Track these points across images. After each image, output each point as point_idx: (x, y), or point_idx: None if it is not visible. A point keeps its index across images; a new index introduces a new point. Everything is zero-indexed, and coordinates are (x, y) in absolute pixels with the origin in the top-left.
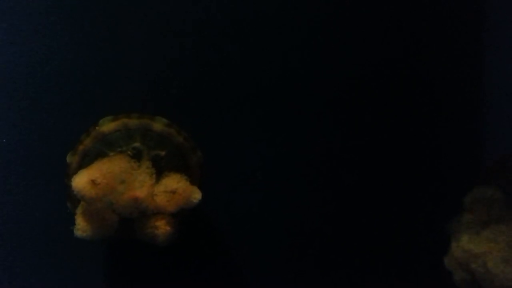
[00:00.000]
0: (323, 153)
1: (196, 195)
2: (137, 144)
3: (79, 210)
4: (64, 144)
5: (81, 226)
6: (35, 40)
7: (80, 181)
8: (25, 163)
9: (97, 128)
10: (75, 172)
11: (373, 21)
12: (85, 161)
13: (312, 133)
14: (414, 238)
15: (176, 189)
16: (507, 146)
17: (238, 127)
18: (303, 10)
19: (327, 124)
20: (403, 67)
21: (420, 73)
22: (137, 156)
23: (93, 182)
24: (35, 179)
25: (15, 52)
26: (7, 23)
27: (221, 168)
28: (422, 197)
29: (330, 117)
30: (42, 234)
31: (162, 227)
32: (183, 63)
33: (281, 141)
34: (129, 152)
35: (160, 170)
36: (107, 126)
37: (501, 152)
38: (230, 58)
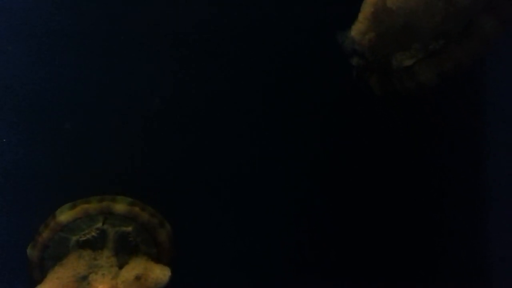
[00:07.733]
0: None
1: (165, 271)
2: (100, 225)
3: None
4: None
5: None
6: None
7: None
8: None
9: (55, 218)
10: (37, 265)
11: None
12: (47, 252)
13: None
14: (413, 237)
15: (139, 275)
16: None
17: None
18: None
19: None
20: None
21: None
22: (102, 236)
23: None
24: None
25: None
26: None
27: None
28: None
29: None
30: None
31: None
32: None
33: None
34: (93, 234)
35: (129, 246)
36: (66, 215)
37: None
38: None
